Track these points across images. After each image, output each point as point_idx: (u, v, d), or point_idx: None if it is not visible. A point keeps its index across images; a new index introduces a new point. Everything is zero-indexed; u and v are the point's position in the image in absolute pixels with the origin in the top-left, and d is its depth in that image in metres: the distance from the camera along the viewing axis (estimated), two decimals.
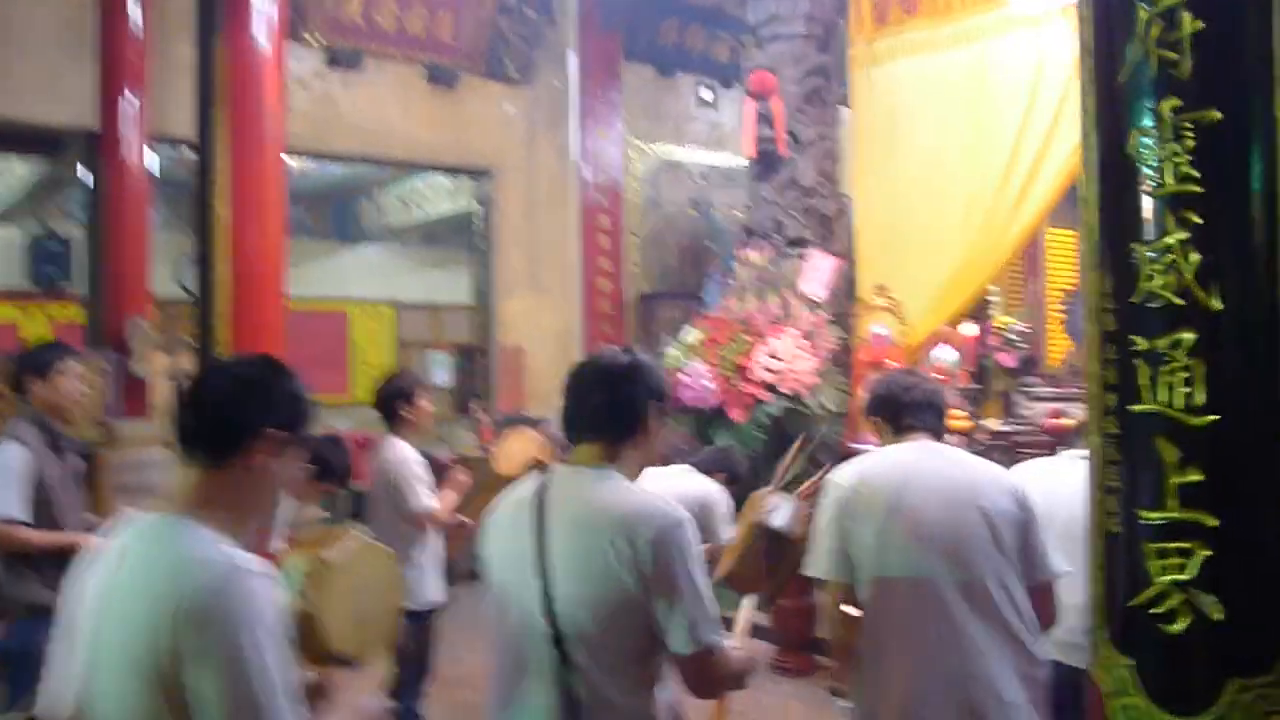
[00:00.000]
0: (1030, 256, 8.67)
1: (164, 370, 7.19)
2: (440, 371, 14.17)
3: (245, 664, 1.46)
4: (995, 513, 2.50)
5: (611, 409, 2.03)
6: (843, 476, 2.70)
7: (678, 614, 1.91)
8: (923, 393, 2.77)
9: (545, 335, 9.17)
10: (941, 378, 6.57)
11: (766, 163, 7.28)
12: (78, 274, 7.82)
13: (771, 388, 6.53)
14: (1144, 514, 1.70)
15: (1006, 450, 5.31)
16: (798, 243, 7.26)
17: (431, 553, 4.41)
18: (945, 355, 6.59)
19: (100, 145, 6.99)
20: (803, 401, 6.61)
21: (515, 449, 5.05)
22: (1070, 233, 10.41)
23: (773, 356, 6.58)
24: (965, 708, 2.44)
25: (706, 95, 10.19)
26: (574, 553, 1.96)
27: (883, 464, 2.69)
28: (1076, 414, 5.49)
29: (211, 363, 1.90)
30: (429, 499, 4.29)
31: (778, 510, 2.68)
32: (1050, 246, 9.80)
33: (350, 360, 13.65)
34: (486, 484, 4.60)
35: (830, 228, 7.40)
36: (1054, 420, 5.15)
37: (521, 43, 8.80)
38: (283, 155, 5.36)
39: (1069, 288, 8.09)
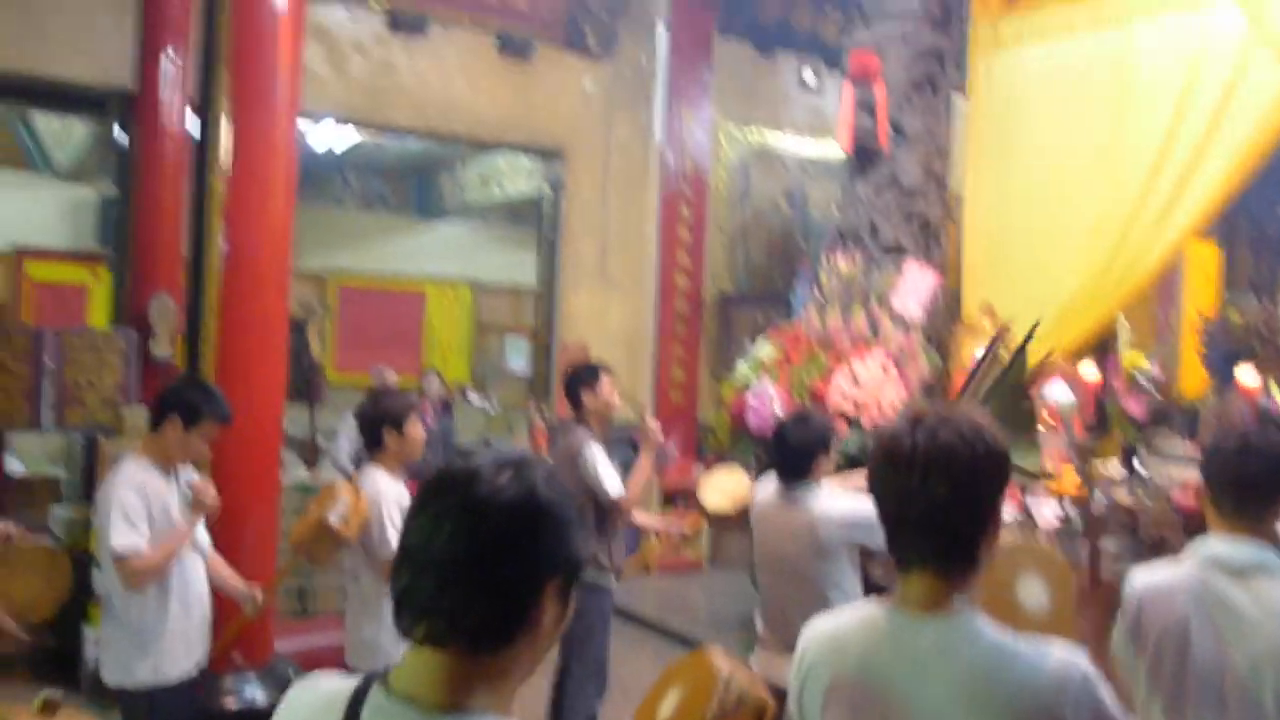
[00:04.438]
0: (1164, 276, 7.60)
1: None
2: (518, 358, 13.61)
3: None
4: None
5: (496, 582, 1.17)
6: None
7: None
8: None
9: (613, 333, 8.41)
10: (1052, 423, 5.61)
11: (864, 157, 6.38)
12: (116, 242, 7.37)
13: (850, 419, 5.66)
14: None
15: (1129, 531, 4.35)
16: (894, 250, 6.35)
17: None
18: (1059, 393, 5.60)
19: (136, 106, 6.48)
20: None
21: (727, 484, 4.41)
22: (1216, 247, 9.20)
23: (854, 382, 5.71)
24: None
25: (809, 77, 9.25)
26: None
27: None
28: None
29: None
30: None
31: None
32: (1191, 263, 8.63)
33: (426, 341, 13.18)
34: None
35: (933, 235, 6.47)
36: (1191, 499, 4.17)
37: (604, 12, 7.99)
38: (296, 123, 4.70)
39: (1209, 314, 7.00)
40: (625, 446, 8.28)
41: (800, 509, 3.35)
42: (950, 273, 6.63)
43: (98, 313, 8.81)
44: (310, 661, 5.02)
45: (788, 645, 3.03)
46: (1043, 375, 5.92)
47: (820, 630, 1.77)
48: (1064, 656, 1.57)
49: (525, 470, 1.21)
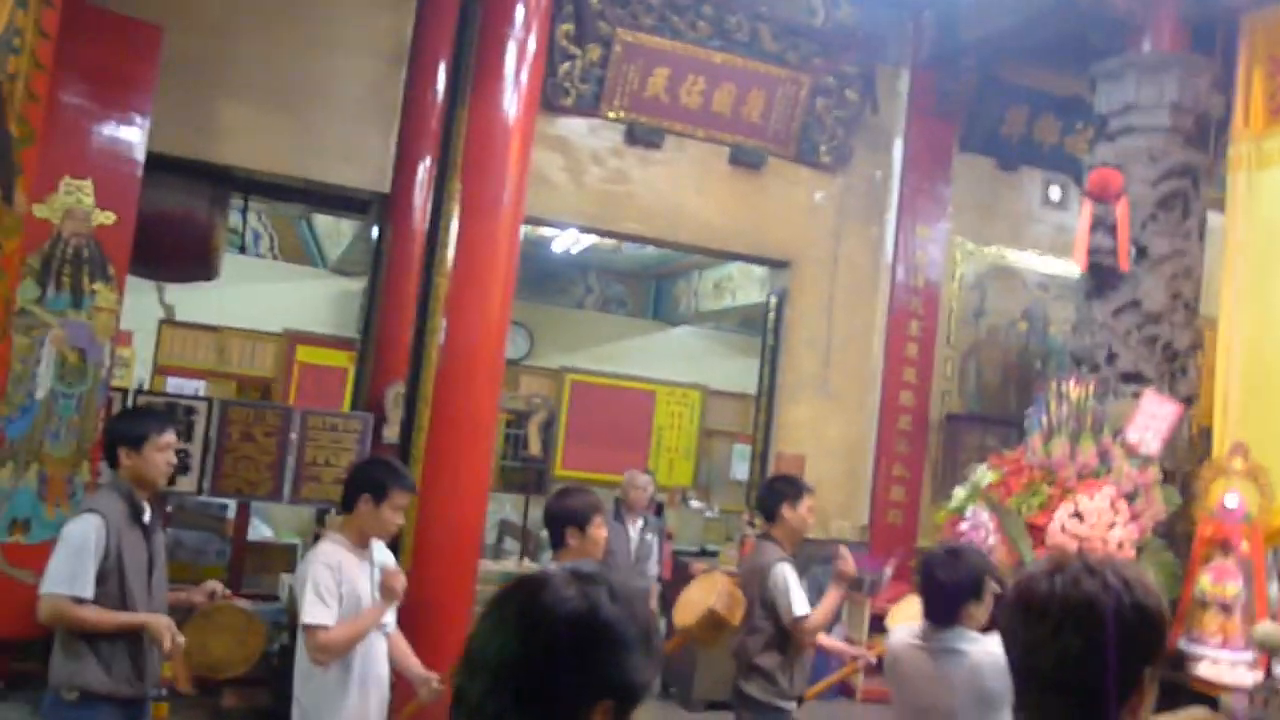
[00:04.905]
0: None
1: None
2: (742, 465, 13.54)
3: None
4: None
5: None
6: None
7: None
8: None
9: (831, 446, 8.22)
10: None
11: (1102, 277, 6.03)
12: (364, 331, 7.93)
13: None
14: None
15: None
16: (1132, 378, 5.91)
17: None
18: None
19: (390, 208, 7.03)
20: None
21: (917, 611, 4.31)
22: None
23: (1077, 516, 5.30)
24: None
25: (1055, 193, 8.86)
26: None
27: None
28: None
29: None
30: None
31: None
32: None
33: (652, 441, 13.35)
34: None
35: (1178, 364, 5.98)
36: None
37: (839, 126, 8.00)
38: (519, 228, 4.94)
39: None
40: (830, 566, 8.02)
41: (956, 655, 3.06)
42: (1199, 406, 6.10)
43: (352, 395, 9.52)
44: None
45: None
46: None
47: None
48: None
49: (593, 585, 1.20)
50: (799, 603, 4.17)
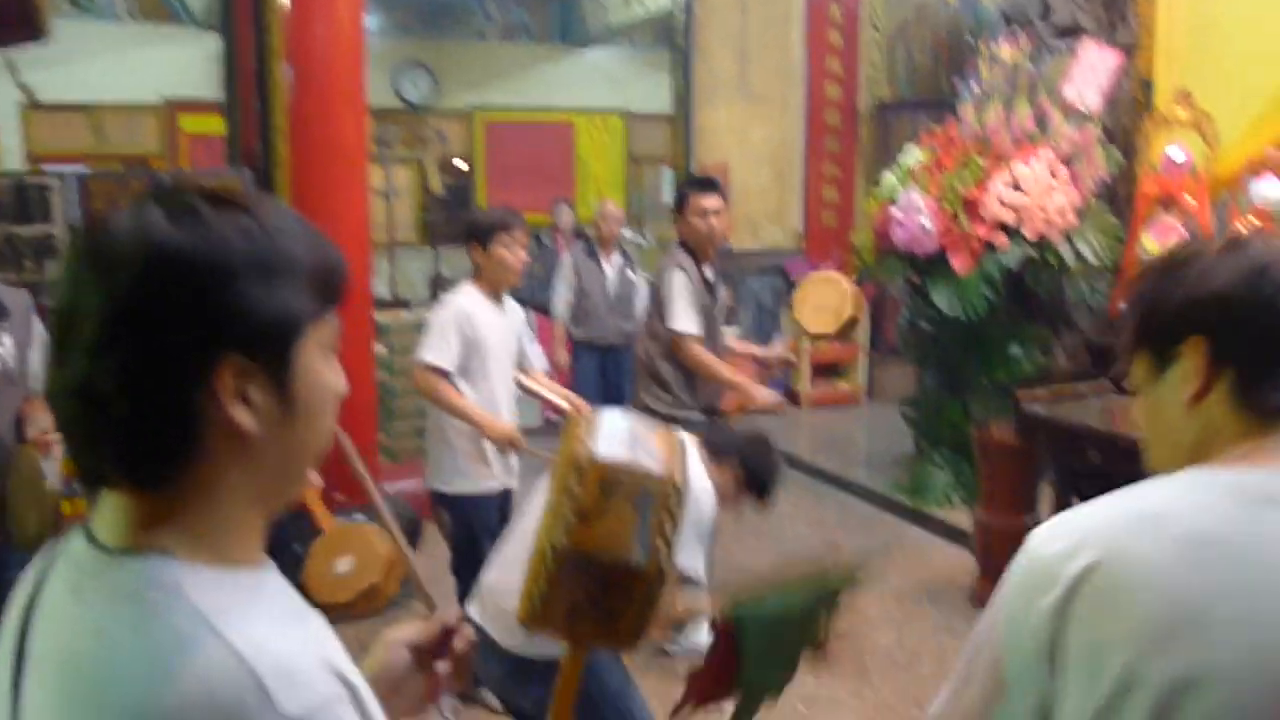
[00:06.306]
0: None
1: None
2: (671, 189, 13.04)
3: None
4: None
5: None
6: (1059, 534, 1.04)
7: None
8: None
9: (757, 152, 7.74)
10: (1259, 223, 4.72)
11: None
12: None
13: (1010, 229, 4.93)
14: None
15: None
16: (1069, 32, 5.43)
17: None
18: (1271, 191, 4.68)
19: None
20: (1052, 249, 4.96)
21: (825, 297, 4.04)
22: None
23: (1015, 187, 4.94)
24: None
25: None
26: None
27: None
28: None
29: None
30: (436, 355, 3.35)
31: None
32: None
33: (577, 174, 12.75)
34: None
35: (1118, 11, 5.48)
36: None
37: None
38: None
39: None
40: (774, 275, 7.72)
41: None
42: (1139, 57, 5.64)
43: (227, 152, 8.79)
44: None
45: None
46: (1249, 172, 4.98)
47: (1106, 514, 1.03)
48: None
49: (147, 207, 0.78)
50: (680, 315, 3.83)
